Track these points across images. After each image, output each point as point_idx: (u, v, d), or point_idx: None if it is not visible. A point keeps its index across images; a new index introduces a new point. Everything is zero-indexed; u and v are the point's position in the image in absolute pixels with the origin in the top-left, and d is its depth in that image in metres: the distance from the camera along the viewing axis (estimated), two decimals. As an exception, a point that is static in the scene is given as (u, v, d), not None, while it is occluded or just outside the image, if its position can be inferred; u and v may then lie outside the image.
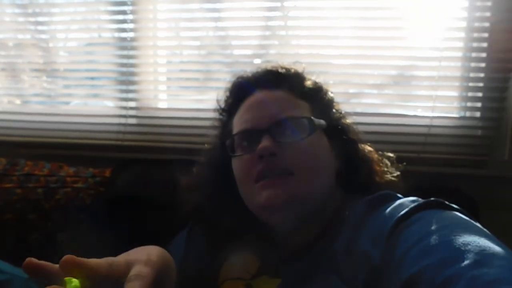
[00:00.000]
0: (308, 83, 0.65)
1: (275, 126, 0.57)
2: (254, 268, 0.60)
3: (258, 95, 0.62)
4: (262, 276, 0.59)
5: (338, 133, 0.63)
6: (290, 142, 0.56)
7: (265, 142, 0.55)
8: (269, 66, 0.68)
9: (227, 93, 0.68)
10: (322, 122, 0.60)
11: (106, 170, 1.06)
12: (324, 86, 0.67)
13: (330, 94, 0.67)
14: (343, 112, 0.67)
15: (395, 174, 0.65)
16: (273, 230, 0.61)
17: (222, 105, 0.69)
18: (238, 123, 0.62)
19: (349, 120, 0.67)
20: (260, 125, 0.58)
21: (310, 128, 0.58)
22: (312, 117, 0.59)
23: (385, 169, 0.66)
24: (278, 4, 1.15)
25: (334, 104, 0.66)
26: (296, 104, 0.60)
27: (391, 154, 0.68)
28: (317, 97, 0.64)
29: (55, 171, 1.04)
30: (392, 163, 0.67)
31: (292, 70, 0.66)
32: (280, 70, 0.66)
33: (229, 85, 0.69)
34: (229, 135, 0.63)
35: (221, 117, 0.69)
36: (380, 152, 0.68)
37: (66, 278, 0.30)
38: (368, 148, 0.66)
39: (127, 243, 0.95)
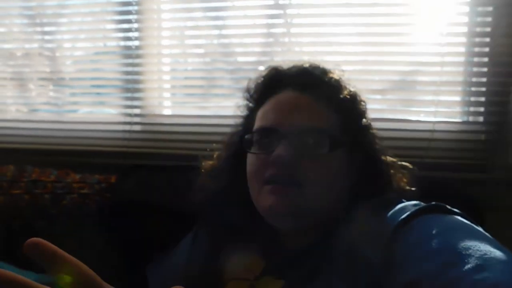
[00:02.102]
0: (344, 93, 0.61)
1: (296, 133, 0.55)
2: (258, 268, 0.60)
3: (289, 95, 0.59)
4: (266, 276, 0.59)
5: (361, 146, 0.61)
6: (307, 154, 0.55)
7: (281, 149, 0.54)
8: (307, 65, 0.64)
9: (259, 82, 0.65)
10: (346, 138, 0.58)
11: (111, 177, 1.07)
12: (358, 97, 0.64)
13: (363, 104, 0.64)
14: (370, 122, 0.65)
15: (411, 187, 0.64)
16: (278, 231, 0.61)
17: (251, 92, 0.66)
18: (261, 118, 0.60)
19: (374, 129, 0.65)
20: (281, 128, 0.56)
21: (330, 145, 0.55)
22: (336, 133, 0.57)
23: (404, 179, 0.65)
24: (281, 11, 1.17)
25: (365, 115, 0.64)
26: (325, 115, 0.58)
27: (409, 164, 0.67)
28: (348, 109, 0.61)
29: (61, 178, 1.06)
30: (410, 173, 0.66)
31: (331, 76, 0.63)
32: (318, 73, 0.62)
33: (262, 73, 0.66)
34: (250, 127, 0.62)
35: (248, 103, 0.67)
36: (399, 163, 0.66)
37: (58, 275, 0.30)
38: (389, 159, 0.65)
39: (133, 248, 0.97)
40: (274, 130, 0.57)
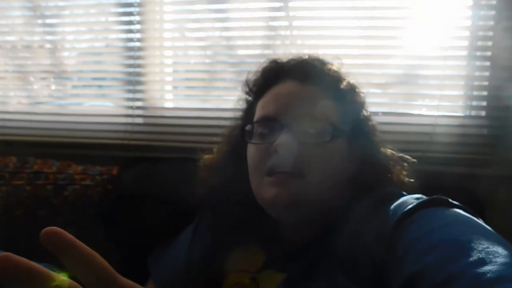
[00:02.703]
0: (343, 83, 0.62)
1: (298, 122, 0.55)
2: (260, 261, 0.60)
3: (289, 85, 0.60)
4: (267, 270, 0.59)
5: (362, 138, 0.61)
6: (309, 143, 0.55)
7: (283, 138, 0.54)
8: (306, 56, 0.64)
9: (258, 74, 0.66)
10: (346, 128, 0.58)
11: (113, 168, 1.07)
12: (357, 88, 0.64)
13: (362, 96, 0.64)
14: (369, 114, 0.65)
15: (411, 179, 0.64)
16: (279, 224, 0.61)
17: (250, 85, 0.66)
18: (261, 109, 0.60)
19: (373, 122, 0.65)
20: (283, 117, 0.56)
21: (332, 134, 0.56)
22: (337, 122, 0.57)
23: (403, 172, 0.64)
24: (283, 4, 1.16)
25: (364, 106, 0.64)
26: (325, 104, 0.58)
27: (409, 157, 0.67)
28: (348, 100, 0.61)
29: (63, 169, 1.06)
30: (410, 166, 0.66)
31: (330, 68, 0.63)
32: (317, 64, 0.63)
33: (261, 66, 0.66)
34: (250, 119, 0.62)
35: (246, 97, 0.67)
36: (399, 155, 0.66)
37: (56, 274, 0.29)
38: (388, 151, 0.65)
39: (134, 239, 0.97)
40: (274, 119, 0.57)
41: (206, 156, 0.70)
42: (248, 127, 0.60)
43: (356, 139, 0.60)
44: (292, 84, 0.60)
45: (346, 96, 0.61)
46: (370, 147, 0.62)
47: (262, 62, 0.66)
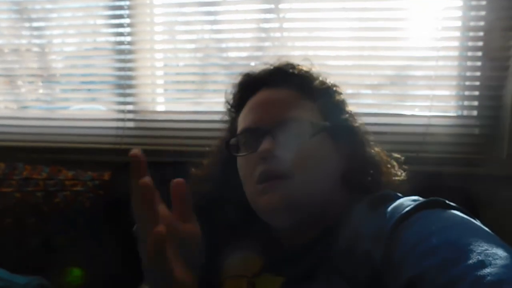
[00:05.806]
0: (316, 83, 0.64)
1: (278, 126, 0.57)
2: (257, 266, 0.60)
3: (263, 94, 0.62)
4: (265, 274, 0.59)
5: (345, 135, 0.62)
6: (292, 144, 0.56)
7: (266, 144, 0.55)
8: (277, 63, 0.66)
9: (235, 90, 0.68)
10: (327, 124, 0.59)
11: (104, 174, 1.06)
12: (333, 86, 0.65)
13: (340, 95, 0.65)
14: (352, 112, 0.66)
15: (402, 177, 0.64)
16: (276, 229, 0.61)
17: (230, 101, 0.68)
18: (242, 121, 0.62)
19: (358, 121, 0.66)
20: (262, 125, 0.58)
21: (312, 131, 0.57)
22: (316, 119, 0.58)
23: (392, 171, 0.65)
24: (274, 6, 1.16)
25: (344, 104, 0.65)
26: (301, 104, 0.60)
27: (398, 156, 0.67)
28: (324, 98, 0.63)
29: (53, 175, 1.04)
30: (400, 165, 0.66)
31: (300, 69, 0.65)
32: (287, 69, 0.65)
33: (237, 81, 0.68)
34: (234, 133, 0.63)
35: (229, 112, 0.69)
36: (388, 154, 0.67)
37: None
38: (376, 149, 0.65)
39: (126, 246, 0.95)
40: (256, 129, 0.59)
41: (198, 167, 0.70)
42: (232, 141, 0.62)
43: (339, 135, 0.60)
44: (266, 92, 0.62)
45: (321, 94, 0.63)
46: (355, 143, 0.63)
47: (238, 78, 0.68)
